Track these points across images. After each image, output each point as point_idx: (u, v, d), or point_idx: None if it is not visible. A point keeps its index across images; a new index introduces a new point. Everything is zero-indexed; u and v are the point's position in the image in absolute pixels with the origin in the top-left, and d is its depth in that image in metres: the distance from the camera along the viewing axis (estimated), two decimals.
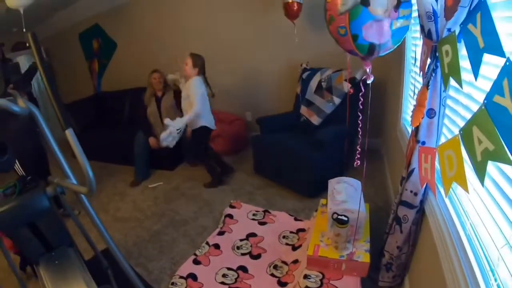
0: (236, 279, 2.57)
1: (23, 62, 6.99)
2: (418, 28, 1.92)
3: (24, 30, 3.65)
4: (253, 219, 3.30)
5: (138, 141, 4.47)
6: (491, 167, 1.15)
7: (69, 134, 1.45)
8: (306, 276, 2.22)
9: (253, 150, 4.21)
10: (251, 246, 2.93)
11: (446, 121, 1.73)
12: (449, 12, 1.32)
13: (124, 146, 4.77)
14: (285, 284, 2.43)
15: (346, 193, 2.41)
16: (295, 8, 3.83)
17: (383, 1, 1.26)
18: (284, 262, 2.66)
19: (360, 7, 1.26)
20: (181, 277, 2.62)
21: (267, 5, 4.48)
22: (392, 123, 3.48)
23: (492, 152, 0.95)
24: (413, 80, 2.65)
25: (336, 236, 2.20)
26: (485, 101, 1.00)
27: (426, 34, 1.60)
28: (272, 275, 2.57)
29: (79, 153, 1.44)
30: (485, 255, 1.19)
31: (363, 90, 1.61)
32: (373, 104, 1.73)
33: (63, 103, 1.56)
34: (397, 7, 1.24)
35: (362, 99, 1.61)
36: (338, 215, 2.20)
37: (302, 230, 3.01)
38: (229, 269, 2.68)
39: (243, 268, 2.68)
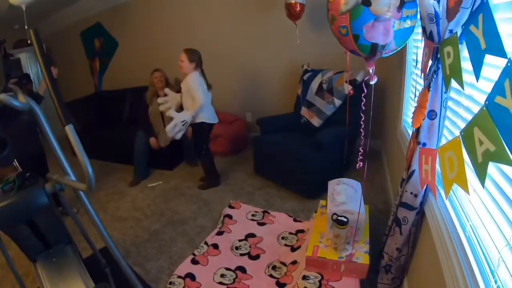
0: (234, 279, 2.57)
1: (25, 59, 7.00)
2: (419, 30, 1.91)
3: (26, 27, 3.64)
4: (252, 220, 3.30)
5: (138, 140, 4.47)
6: (492, 168, 1.15)
7: (69, 130, 1.44)
8: (305, 277, 2.22)
9: (253, 151, 4.20)
10: (250, 246, 2.92)
11: (446, 123, 1.73)
12: (451, 13, 1.32)
13: (124, 145, 4.78)
14: (284, 285, 2.43)
15: (346, 194, 2.41)
16: (297, 9, 3.83)
17: (385, 1, 1.25)
18: (283, 263, 2.66)
19: (361, 7, 1.25)
20: (179, 276, 2.61)
21: (269, 5, 4.48)
22: (393, 125, 3.47)
23: (493, 153, 0.95)
24: (414, 83, 2.64)
25: (335, 237, 2.19)
26: (487, 102, 0.99)
27: (428, 36, 1.60)
28: (271, 276, 2.56)
29: (78, 150, 1.44)
30: (485, 256, 1.18)
31: (365, 91, 1.61)
32: (373, 106, 1.73)
33: (63, 100, 1.56)
34: (400, 8, 1.24)
35: (364, 100, 1.60)
36: (338, 216, 2.19)
37: (301, 231, 3.00)
38: (227, 269, 2.67)
39: (242, 269, 2.67)
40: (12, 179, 1.84)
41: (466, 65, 1.33)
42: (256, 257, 2.79)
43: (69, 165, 1.69)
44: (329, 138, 3.37)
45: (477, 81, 1.10)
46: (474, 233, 1.31)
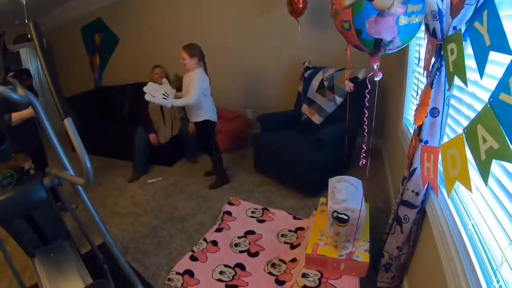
0: (233, 276, 2.56)
1: (25, 54, 7.00)
2: (422, 27, 1.90)
3: (26, 21, 3.63)
4: (251, 217, 3.29)
5: (138, 136, 4.46)
6: (495, 166, 1.14)
7: (68, 123, 1.43)
8: (304, 275, 2.21)
9: (254, 148, 4.20)
10: (249, 243, 2.91)
11: (449, 120, 1.71)
12: (455, 9, 1.30)
13: (124, 141, 4.78)
14: (283, 282, 2.42)
15: (346, 192, 2.40)
16: (300, 5, 3.80)
17: None
18: (282, 261, 2.65)
19: (363, 1, 1.23)
20: (178, 273, 2.61)
21: (270, 2, 4.46)
22: (394, 124, 3.46)
23: (497, 151, 0.94)
24: (416, 81, 2.63)
25: (336, 235, 2.18)
26: (491, 99, 0.98)
27: (431, 33, 1.59)
28: (270, 273, 2.55)
29: (77, 143, 1.43)
30: (487, 256, 1.17)
31: (369, 87, 1.59)
32: (372, 106, 1.72)
33: (63, 94, 1.54)
34: (404, 3, 1.22)
35: (368, 96, 1.59)
36: (338, 213, 2.18)
37: (301, 228, 2.99)
38: (226, 266, 2.67)
39: (241, 266, 2.66)
40: (10, 173, 1.83)
41: (469, 62, 1.32)
42: (256, 254, 2.78)
43: (68, 160, 1.68)
44: (330, 136, 3.35)
45: (481, 78, 1.09)
46: (476, 232, 1.29)
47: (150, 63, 4.51)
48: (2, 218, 1.75)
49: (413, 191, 1.83)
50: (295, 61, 4.54)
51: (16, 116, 2.71)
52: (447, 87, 1.55)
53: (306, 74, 4.20)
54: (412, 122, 2.08)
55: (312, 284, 2.13)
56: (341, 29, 1.37)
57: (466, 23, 1.28)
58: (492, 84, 1.02)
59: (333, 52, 4.16)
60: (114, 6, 6.05)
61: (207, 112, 3.67)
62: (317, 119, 3.92)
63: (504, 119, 0.91)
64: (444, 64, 1.49)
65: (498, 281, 1.05)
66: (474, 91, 1.41)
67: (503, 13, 1.04)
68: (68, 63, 7.33)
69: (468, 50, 1.30)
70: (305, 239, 2.67)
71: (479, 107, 1.24)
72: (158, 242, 3.05)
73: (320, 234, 2.39)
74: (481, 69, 1.09)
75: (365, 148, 1.75)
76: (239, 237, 3.00)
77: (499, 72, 1.02)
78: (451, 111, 1.70)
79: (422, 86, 2.14)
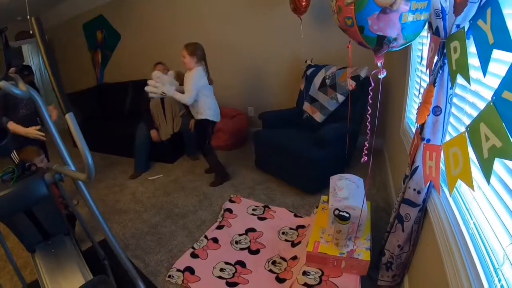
0: (233, 273, 2.56)
1: (26, 50, 7.00)
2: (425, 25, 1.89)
3: (28, 17, 3.62)
4: (252, 214, 3.29)
5: (139, 133, 4.46)
6: (497, 165, 1.13)
7: (69, 118, 1.42)
8: (305, 273, 2.20)
9: (255, 145, 4.19)
10: (250, 241, 2.91)
11: (451, 119, 1.71)
12: (458, 7, 1.30)
13: (125, 138, 4.78)
14: (283, 280, 2.42)
15: (348, 190, 2.39)
16: (303, 3, 3.79)
17: None
18: (283, 258, 2.65)
19: None
20: (178, 270, 2.61)
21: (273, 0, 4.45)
22: (395, 123, 3.45)
23: (500, 149, 0.94)
24: (418, 79, 2.63)
25: (337, 232, 2.18)
26: (494, 98, 0.98)
27: (434, 31, 1.58)
28: (271, 271, 2.55)
29: (79, 139, 1.42)
30: (488, 254, 1.17)
31: (372, 84, 1.59)
32: (375, 104, 1.71)
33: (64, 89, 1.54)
34: (407, 0, 1.21)
35: (371, 94, 1.58)
36: (340, 211, 2.18)
37: (302, 226, 2.99)
38: (227, 263, 2.67)
39: (241, 263, 2.66)
40: (11, 169, 1.83)
41: (472, 60, 1.31)
42: (256, 251, 2.78)
43: (69, 156, 1.68)
44: (331, 134, 3.34)
45: (484, 76, 1.09)
46: (477, 230, 1.29)
47: (152, 60, 4.51)
48: (3, 214, 1.75)
49: (414, 190, 1.83)
50: (297, 59, 4.54)
51: (12, 126, 2.71)
52: (449, 85, 1.55)
53: (308, 72, 4.20)
54: (414, 120, 2.07)
55: (313, 282, 2.13)
56: (344, 26, 1.37)
57: (469, 21, 1.28)
58: (495, 83, 1.02)
59: (335, 50, 4.15)
60: (116, 3, 6.04)
61: (206, 111, 3.67)
62: (318, 117, 3.91)
63: (507, 118, 0.91)
64: (447, 62, 1.49)
65: (499, 280, 1.05)
66: (477, 90, 1.40)
67: (506, 11, 1.03)
68: (69, 60, 7.33)
69: (471, 48, 1.29)
70: (306, 237, 2.67)
71: (481, 105, 1.23)
72: (159, 239, 3.05)
73: (321, 231, 2.39)
74: (484, 67, 1.08)
75: (367, 145, 1.75)
76: (240, 235, 3.00)
77: (502, 70, 1.02)
78: (453, 110, 1.70)
79: (424, 84, 2.14)
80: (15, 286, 2.56)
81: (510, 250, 1.02)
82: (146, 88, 3.54)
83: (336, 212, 2.19)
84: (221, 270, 2.60)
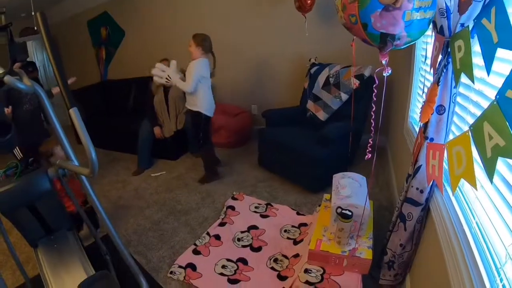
0: (235, 270, 2.56)
1: (31, 47, 7.02)
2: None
3: (33, 13, 3.63)
4: (255, 212, 3.29)
5: (143, 130, 4.47)
6: (500, 164, 1.13)
7: (73, 113, 1.43)
8: (306, 271, 2.20)
9: (258, 143, 4.19)
10: (252, 238, 2.92)
11: (454, 118, 1.71)
12: (463, 6, 1.30)
13: (128, 134, 4.79)
14: (285, 278, 2.42)
15: (350, 188, 2.39)
16: (309, 1, 3.78)
17: None
18: (285, 256, 2.65)
19: None
20: (180, 266, 2.61)
21: None
22: (399, 122, 3.45)
23: (503, 148, 0.93)
24: (422, 79, 2.62)
25: (339, 230, 2.18)
26: (497, 96, 0.97)
27: (438, 30, 1.58)
28: (272, 268, 2.56)
29: (82, 133, 1.43)
30: (490, 254, 1.17)
31: (377, 82, 1.58)
32: (379, 101, 1.71)
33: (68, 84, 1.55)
34: None
35: (375, 91, 1.58)
36: (342, 209, 2.18)
37: (304, 224, 2.99)
38: (228, 260, 2.67)
39: (243, 260, 2.66)
40: (15, 164, 1.84)
41: (476, 60, 1.31)
42: (258, 249, 2.78)
43: (73, 151, 1.68)
44: (335, 132, 3.34)
45: (488, 75, 1.09)
46: (480, 230, 1.29)
47: (156, 57, 4.50)
48: (6, 208, 1.76)
49: (417, 189, 1.82)
50: (301, 57, 4.53)
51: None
52: (453, 84, 1.55)
53: (312, 71, 4.19)
54: (418, 119, 2.07)
55: (315, 279, 2.13)
56: (349, 24, 1.37)
57: (474, 20, 1.27)
58: (499, 82, 1.02)
59: (339, 49, 4.14)
60: (120, 0, 6.05)
61: (201, 103, 3.63)
62: (322, 115, 3.91)
63: (511, 117, 0.91)
64: (451, 61, 1.48)
65: (501, 280, 1.05)
66: (480, 89, 1.40)
67: (511, 10, 1.03)
68: (73, 57, 7.33)
69: (475, 47, 1.29)
70: (308, 235, 2.67)
71: (485, 104, 1.23)
72: (161, 235, 3.06)
73: (323, 230, 2.39)
74: (488, 66, 1.08)
75: (371, 142, 1.74)
76: (242, 232, 3.00)
77: (506, 69, 1.02)
78: (457, 109, 1.69)
79: (428, 83, 2.14)
80: (17, 280, 2.57)
81: None
82: (153, 71, 3.54)
83: (339, 210, 2.19)
84: (223, 267, 2.61)
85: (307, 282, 2.13)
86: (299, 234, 2.89)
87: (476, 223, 1.32)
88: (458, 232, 1.39)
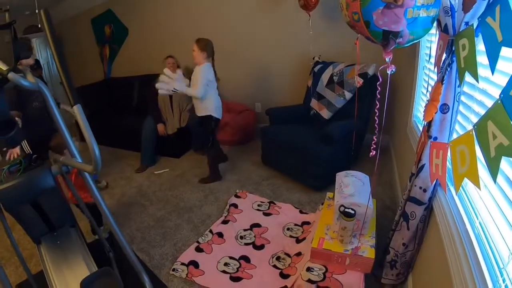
0: (238, 268, 2.57)
1: (35, 45, 7.02)
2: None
3: (37, 11, 3.64)
4: (257, 210, 3.30)
5: (146, 127, 4.48)
6: (504, 163, 1.13)
7: (77, 110, 1.43)
8: (309, 269, 2.20)
9: (261, 141, 4.19)
10: (254, 236, 2.92)
11: (458, 117, 1.70)
12: (467, 4, 1.29)
13: (132, 132, 4.79)
14: (287, 276, 2.42)
15: (353, 187, 2.38)
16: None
17: None
18: (287, 254, 2.65)
19: None
20: (183, 263, 2.62)
21: None
22: (402, 120, 3.44)
23: (507, 147, 0.93)
24: (426, 77, 2.61)
25: (342, 229, 2.17)
26: (502, 95, 0.97)
27: (443, 29, 1.57)
28: (275, 266, 2.56)
29: (86, 130, 1.43)
30: (493, 254, 1.16)
31: (380, 79, 1.58)
32: (383, 100, 1.71)
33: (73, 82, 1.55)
34: None
35: (379, 89, 1.57)
36: (345, 208, 2.17)
37: (307, 223, 2.99)
38: (231, 258, 2.68)
39: (246, 258, 2.67)
40: (18, 160, 1.84)
41: (480, 58, 1.31)
42: (261, 247, 2.78)
43: (76, 148, 1.69)
44: (338, 131, 3.33)
45: (493, 74, 1.08)
46: (483, 229, 1.28)
47: (159, 55, 4.51)
48: (10, 204, 1.76)
49: (420, 188, 1.82)
50: (305, 55, 4.52)
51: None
52: (457, 83, 1.54)
53: (316, 69, 4.19)
54: (421, 118, 2.07)
55: (317, 278, 2.13)
56: (353, 21, 1.36)
57: (478, 19, 1.27)
58: (503, 80, 1.01)
59: (343, 47, 4.13)
60: None
61: (211, 107, 3.65)
62: (326, 114, 3.90)
63: None
64: (455, 60, 1.48)
65: (504, 280, 1.05)
66: (485, 88, 1.39)
67: None
68: (77, 55, 7.35)
69: (480, 46, 1.28)
70: (310, 233, 2.67)
71: (489, 103, 1.22)
72: (164, 232, 3.07)
73: (326, 228, 2.39)
74: (492, 65, 1.07)
75: (375, 139, 1.74)
76: (244, 230, 3.01)
77: (510, 68, 1.01)
78: (461, 108, 1.69)
79: (432, 82, 2.13)
80: (20, 277, 2.58)
81: None
82: (157, 85, 3.56)
83: (342, 208, 2.18)
84: (225, 264, 2.61)
85: (309, 281, 2.13)
86: (302, 232, 2.89)
87: (479, 223, 1.32)
88: (461, 232, 1.39)
